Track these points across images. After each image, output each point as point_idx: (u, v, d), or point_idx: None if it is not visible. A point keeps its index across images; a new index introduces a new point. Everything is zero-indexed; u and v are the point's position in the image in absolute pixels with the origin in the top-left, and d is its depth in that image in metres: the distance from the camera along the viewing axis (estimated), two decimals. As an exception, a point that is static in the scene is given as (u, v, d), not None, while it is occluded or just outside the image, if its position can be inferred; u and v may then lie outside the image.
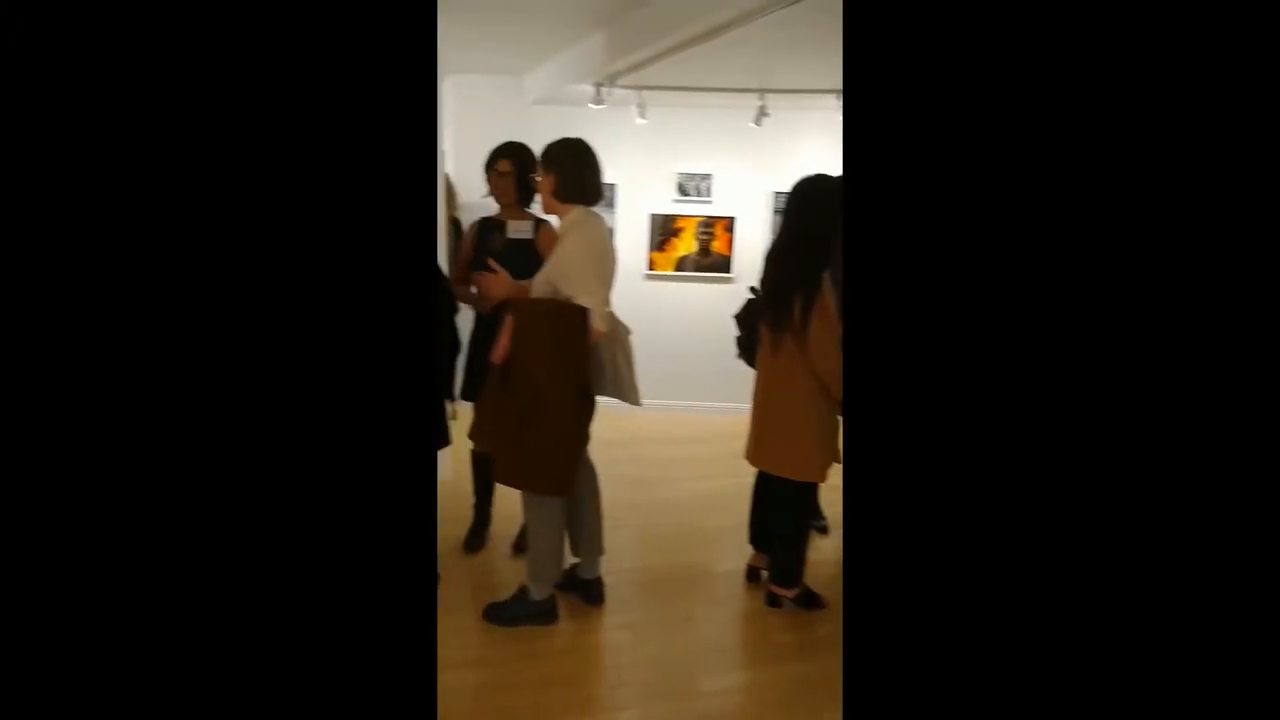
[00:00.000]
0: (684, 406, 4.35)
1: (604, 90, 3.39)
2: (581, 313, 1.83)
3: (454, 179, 3.74)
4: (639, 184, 4.18)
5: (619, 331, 2.03)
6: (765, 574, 2.28)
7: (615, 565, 2.34)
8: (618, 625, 2.10)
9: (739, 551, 2.43)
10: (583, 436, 2.01)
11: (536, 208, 2.23)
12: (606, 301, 1.91)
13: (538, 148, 2.05)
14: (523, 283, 1.97)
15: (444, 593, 2.22)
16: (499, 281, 2.00)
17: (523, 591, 2.06)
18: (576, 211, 1.93)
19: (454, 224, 3.44)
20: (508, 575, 2.34)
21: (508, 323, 1.88)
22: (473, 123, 4.05)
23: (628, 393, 2.05)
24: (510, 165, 2.23)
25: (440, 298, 1.99)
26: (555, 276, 1.89)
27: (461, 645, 1.96)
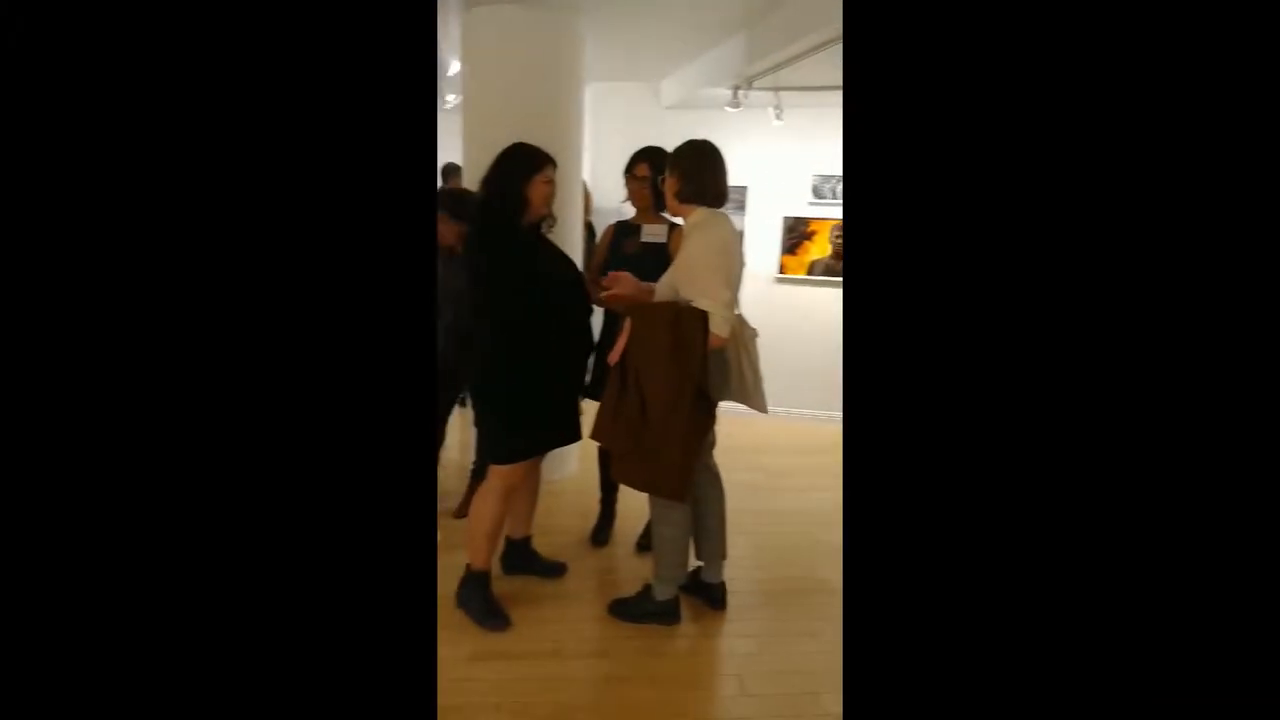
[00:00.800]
0: (812, 415, 4.22)
1: (741, 93, 3.37)
2: (699, 317, 1.82)
3: (589, 184, 3.87)
4: (773, 186, 4.12)
5: (745, 335, 2.00)
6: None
7: (737, 572, 2.31)
8: (739, 633, 2.08)
9: (869, 569, 2.32)
10: (701, 442, 1.99)
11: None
12: (730, 304, 1.87)
13: (674, 152, 2.07)
14: (650, 285, 2.00)
15: (570, 584, 2.31)
16: (626, 284, 2.05)
17: (647, 590, 2.09)
18: (700, 213, 1.92)
19: (588, 228, 3.56)
20: (632, 571, 2.39)
21: (626, 325, 1.91)
22: (609, 129, 4.17)
23: (753, 398, 2.02)
24: (648, 170, 2.27)
25: (576, 299, 2.06)
26: (677, 279, 1.89)
27: (585, 636, 2.03)
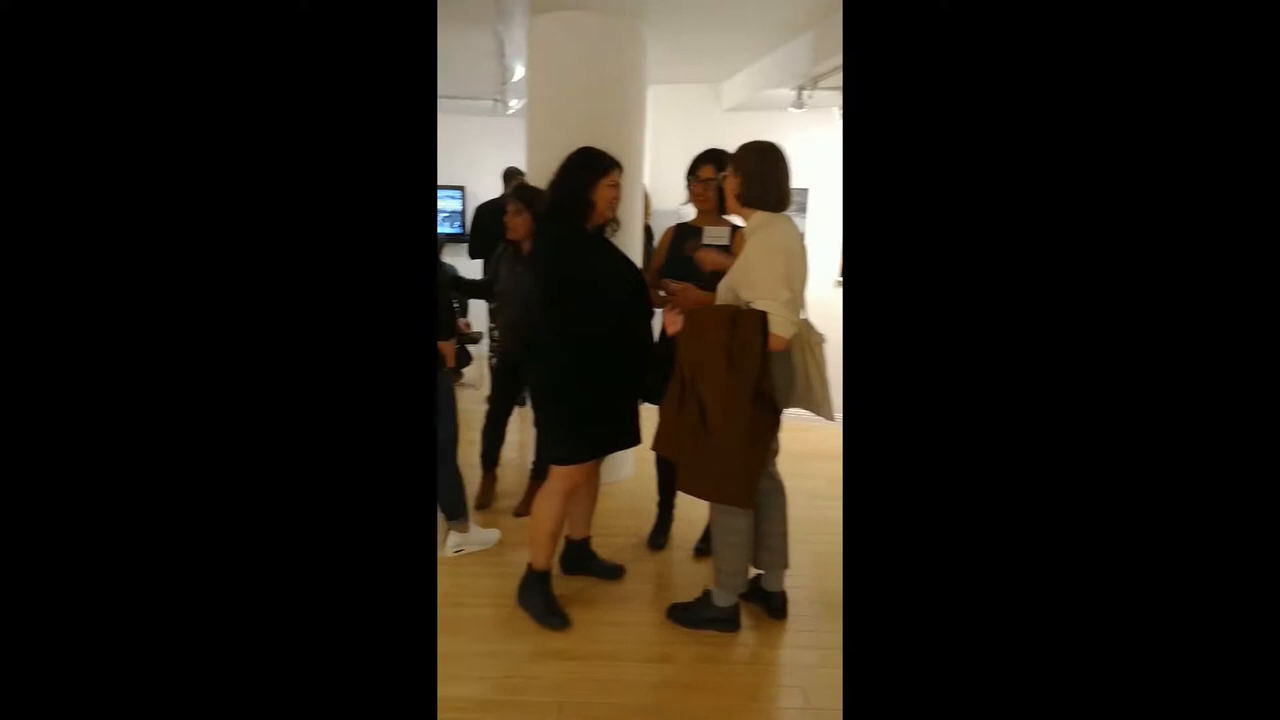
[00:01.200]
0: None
1: (805, 93, 3.31)
2: (757, 318, 1.78)
3: (648, 187, 3.87)
4: (835, 188, 4.03)
5: (811, 340, 1.96)
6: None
7: (798, 582, 2.27)
8: (802, 644, 2.03)
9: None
10: (765, 448, 1.96)
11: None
12: (790, 305, 1.82)
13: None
14: (709, 294, 1.98)
15: (627, 587, 2.31)
16: (686, 288, 2.04)
17: (707, 596, 2.07)
18: (760, 216, 1.89)
19: (646, 231, 3.56)
20: (689, 576, 2.37)
21: (681, 325, 1.91)
22: (669, 131, 4.17)
23: (820, 405, 1.97)
24: (713, 171, 2.26)
25: (637, 302, 2.06)
26: (736, 281, 1.87)
27: (643, 640, 2.02)
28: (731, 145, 2.21)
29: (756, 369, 1.80)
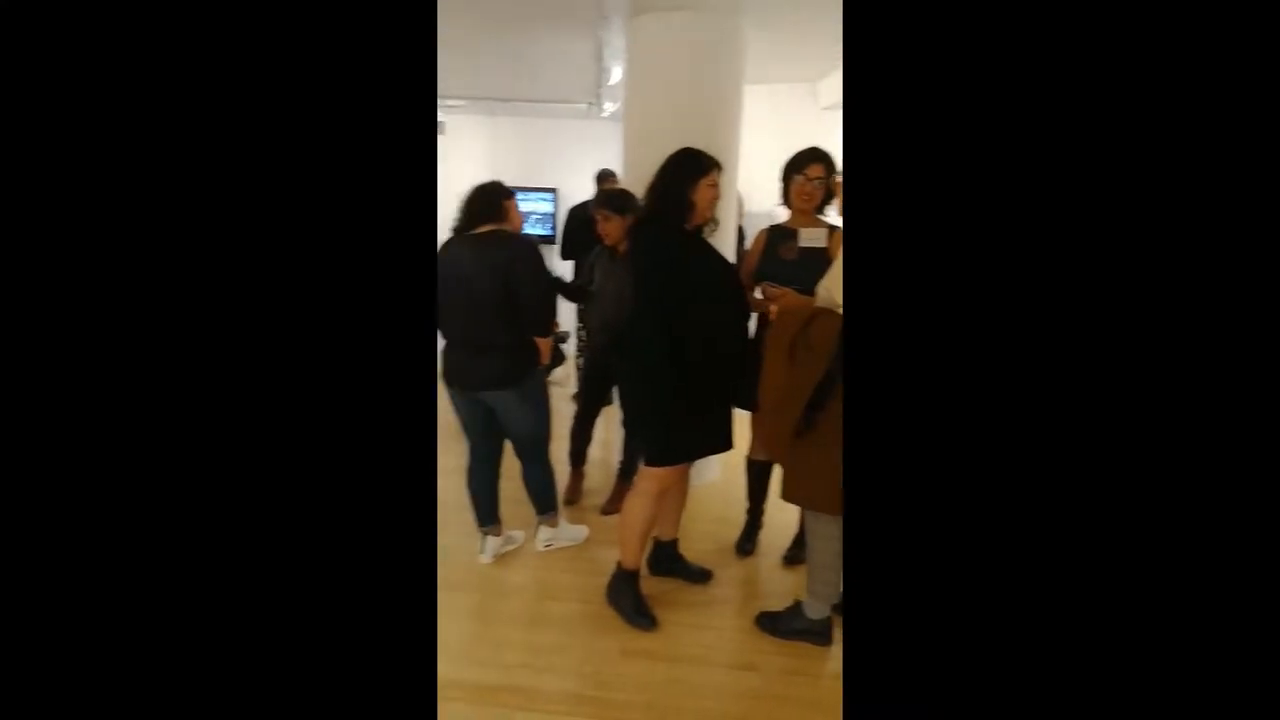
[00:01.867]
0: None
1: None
2: (833, 323, 1.71)
3: (742, 188, 3.82)
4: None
5: None
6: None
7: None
8: (897, 663, 1.95)
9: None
10: None
11: (828, 215, 2.17)
12: None
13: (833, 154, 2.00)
14: (809, 299, 1.92)
15: (715, 591, 2.28)
16: (785, 294, 2.00)
17: (798, 606, 2.02)
18: None
19: (739, 232, 3.52)
20: (778, 584, 2.32)
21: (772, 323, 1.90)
22: (763, 131, 4.10)
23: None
24: (822, 170, 2.20)
25: (735, 305, 2.03)
26: (831, 285, 1.80)
27: (731, 646, 1.99)
28: (829, 145, 2.14)
29: (819, 373, 1.73)
